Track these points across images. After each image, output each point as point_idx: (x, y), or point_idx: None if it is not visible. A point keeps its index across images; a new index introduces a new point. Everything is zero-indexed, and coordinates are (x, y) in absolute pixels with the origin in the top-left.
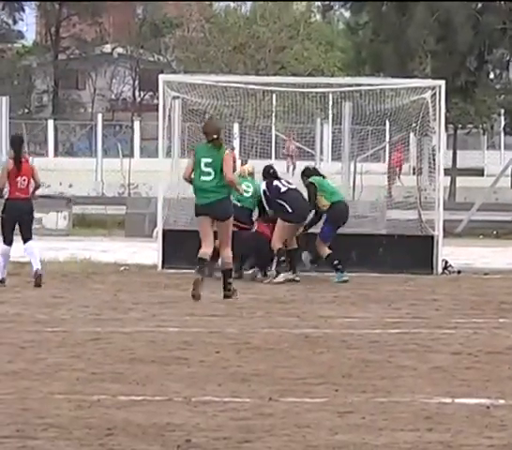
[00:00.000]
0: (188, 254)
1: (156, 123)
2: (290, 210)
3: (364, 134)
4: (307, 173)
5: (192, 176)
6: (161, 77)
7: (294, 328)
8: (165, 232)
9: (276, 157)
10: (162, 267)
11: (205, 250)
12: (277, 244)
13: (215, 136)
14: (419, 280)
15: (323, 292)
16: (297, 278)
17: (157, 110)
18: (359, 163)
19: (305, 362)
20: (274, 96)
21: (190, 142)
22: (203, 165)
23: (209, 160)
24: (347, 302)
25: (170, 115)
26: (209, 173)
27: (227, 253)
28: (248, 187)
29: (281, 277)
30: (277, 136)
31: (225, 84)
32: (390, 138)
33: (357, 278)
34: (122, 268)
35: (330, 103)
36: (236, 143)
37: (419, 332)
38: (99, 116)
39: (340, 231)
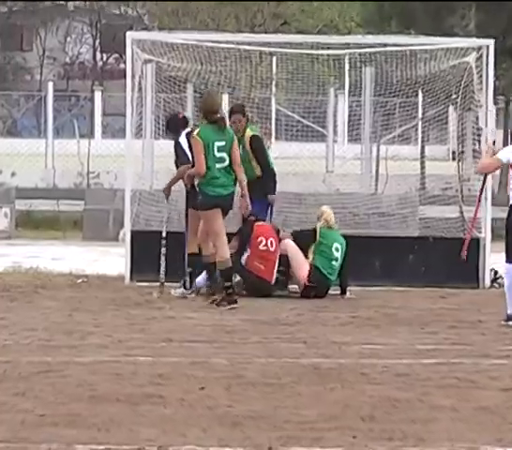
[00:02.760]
0: (167, 262)
1: (122, 94)
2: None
3: (390, 108)
4: None
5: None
6: (129, 35)
7: (300, 357)
8: (134, 235)
9: (276, 138)
10: (131, 279)
11: (224, 254)
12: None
13: (218, 115)
14: (461, 296)
15: (338, 311)
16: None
17: (123, 77)
18: (384, 146)
19: (314, 401)
20: (274, 59)
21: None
22: (215, 150)
23: (222, 144)
24: (368, 324)
25: (140, 84)
26: (223, 160)
27: (227, 251)
28: None
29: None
30: (278, 110)
31: (211, 45)
32: (423, 113)
33: (381, 294)
34: (79, 280)
35: (346, 69)
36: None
37: (461, 362)
38: (50, 85)
39: (361, 232)
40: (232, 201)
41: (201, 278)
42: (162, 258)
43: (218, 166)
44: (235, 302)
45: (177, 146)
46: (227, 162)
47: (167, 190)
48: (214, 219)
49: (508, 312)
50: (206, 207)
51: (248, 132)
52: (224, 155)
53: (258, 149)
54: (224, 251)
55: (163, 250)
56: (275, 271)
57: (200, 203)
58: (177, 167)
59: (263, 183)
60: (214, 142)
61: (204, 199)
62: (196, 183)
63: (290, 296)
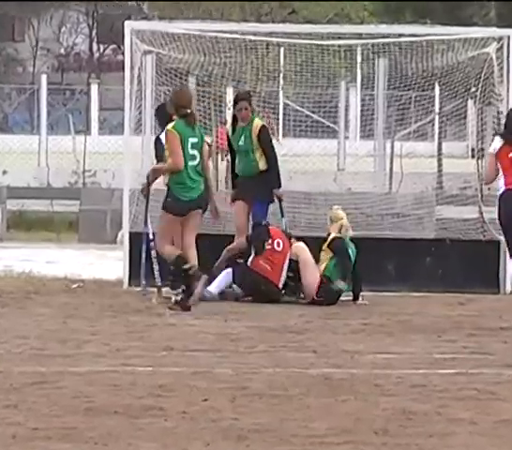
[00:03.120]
0: (166, 266)
1: (120, 87)
2: None
3: (405, 102)
4: None
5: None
6: (128, 24)
7: (309, 367)
8: (133, 237)
9: (284, 134)
10: (129, 284)
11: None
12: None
13: (189, 110)
14: (481, 302)
15: (349, 318)
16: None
17: (121, 69)
18: (398, 142)
19: (323, 413)
20: (281, 50)
21: None
22: (189, 146)
23: (195, 141)
24: (381, 332)
25: (139, 77)
26: (195, 158)
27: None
28: None
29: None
30: (286, 105)
31: (215, 35)
32: (440, 108)
33: (395, 300)
34: (75, 285)
35: (358, 60)
36: (231, 115)
37: (480, 373)
38: (43, 78)
39: (374, 234)
40: (204, 200)
41: (213, 287)
42: (154, 261)
43: (190, 164)
44: (189, 309)
45: (158, 142)
46: (198, 160)
47: (146, 190)
48: (171, 223)
49: None
50: (174, 212)
51: (258, 121)
52: (196, 152)
53: (267, 140)
54: (165, 254)
55: (153, 253)
56: (283, 275)
57: (169, 206)
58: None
59: (269, 177)
60: (188, 139)
61: (175, 203)
62: (165, 181)
63: (298, 302)
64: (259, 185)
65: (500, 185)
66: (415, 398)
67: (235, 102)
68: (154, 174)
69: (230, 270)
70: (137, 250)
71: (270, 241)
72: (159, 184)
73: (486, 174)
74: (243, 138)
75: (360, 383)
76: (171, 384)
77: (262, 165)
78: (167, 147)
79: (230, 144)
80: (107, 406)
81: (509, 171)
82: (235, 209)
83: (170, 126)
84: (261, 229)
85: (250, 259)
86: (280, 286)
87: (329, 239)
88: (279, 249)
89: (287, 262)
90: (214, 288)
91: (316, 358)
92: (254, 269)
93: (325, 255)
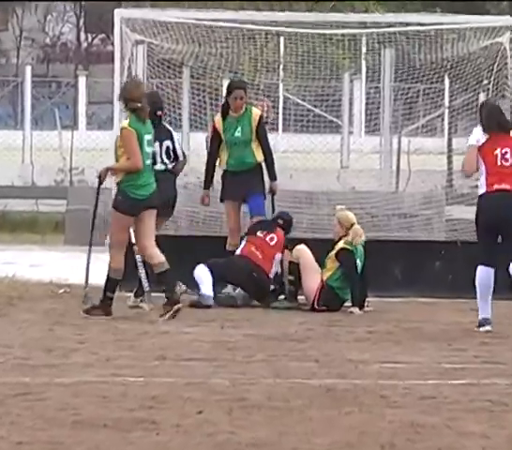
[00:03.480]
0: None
1: (110, 79)
2: None
3: (412, 96)
4: None
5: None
6: (118, 12)
7: (311, 378)
8: None
9: (284, 129)
10: (119, 289)
11: (116, 264)
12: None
13: (140, 104)
14: (493, 308)
15: (354, 325)
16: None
17: (111, 61)
18: (406, 138)
19: (326, 426)
20: (282, 40)
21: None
22: (145, 144)
23: (150, 138)
24: (387, 340)
25: (130, 69)
26: (149, 156)
27: (121, 261)
28: None
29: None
30: (286, 98)
31: (211, 23)
32: (450, 101)
33: (402, 306)
34: (61, 291)
35: (363, 51)
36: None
37: (493, 383)
38: (28, 70)
39: (379, 236)
40: (156, 197)
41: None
42: (140, 265)
43: (146, 163)
44: (110, 314)
45: None
46: (151, 159)
47: (97, 189)
48: (123, 224)
49: (479, 317)
50: (127, 212)
51: (256, 111)
52: (151, 150)
53: (265, 130)
54: (117, 261)
55: (138, 257)
56: (274, 267)
57: (120, 205)
58: None
59: (267, 168)
60: (144, 136)
61: (128, 201)
62: (116, 180)
63: (299, 308)
64: (255, 177)
65: (481, 182)
66: (424, 411)
67: (229, 91)
68: (109, 172)
69: (205, 269)
70: (127, 253)
71: (266, 232)
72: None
73: (467, 164)
74: (240, 128)
75: (365, 395)
76: (163, 396)
77: (259, 157)
78: (122, 145)
79: (212, 139)
80: (95, 419)
81: (494, 169)
82: (227, 209)
83: (125, 122)
84: (268, 222)
85: (241, 247)
86: (272, 274)
87: (337, 249)
88: (272, 244)
89: (278, 258)
90: (206, 291)
91: (318, 368)
92: (245, 255)
93: (331, 263)
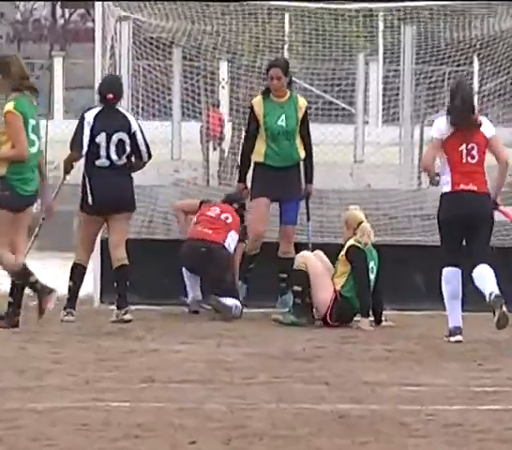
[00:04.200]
0: (144, 279)
1: (90, 61)
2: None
3: (437, 80)
4: None
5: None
6: None
7: (321, 402)
8: (105, 244)
9: None
10: (101, 301)
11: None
12: None
13: (27, 81)
14: None
15: (369, 342)
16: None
17: (91, 39)
18: (429, 128)
19: None
20: (287, 16)
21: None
22: (30, 130)
23: (35, 123)
24: (408, 359)
25: (113, 48)
26: (34, 143)
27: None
28: None
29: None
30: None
31: None
32: (480, 86)
33: (425, 320)
34: (34, 303)
35: (380, 28)
36: (225, 95)
37: None
38: None
39: (399, 241)
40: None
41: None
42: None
43: (31, 151)
44: (17, 326)
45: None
46: (37, 147)
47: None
48: (7, 222)
49: (449, 326)
50: (12, 209)
51: (302, 100)
52: (36, 137)
53: (308, 124)
54: (7, 260)
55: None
56: (230, 236)
57: (4, 200)
58: None
59: (306, 168)
60: (29, 120)
61: (15, 198)
62: (1, 172)
63: (305, 325)
64: (295, 177)
65: (443, 181)
66: (450, 440)
67: (267, 70)
68: None
69: (185, 272)
70: (110, 261)
71: (219, 212)
72: None
73: (425, 158)
74: (284, 117)
75: (383, 422)
76: (151, 423)
77: (302, 153)
78: (6, 131)
79: (249, 123)
80: (74, 449)
81: (458, 167)
82: (257, 208)
83: (10, 105)
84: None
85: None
86: (229, 247)
87: (346, 247)
88: (229, 222)
89: (234, 232)
90: (189, 296)
91: (329, 391)
92: (189, 237)
93: (342, 268)
